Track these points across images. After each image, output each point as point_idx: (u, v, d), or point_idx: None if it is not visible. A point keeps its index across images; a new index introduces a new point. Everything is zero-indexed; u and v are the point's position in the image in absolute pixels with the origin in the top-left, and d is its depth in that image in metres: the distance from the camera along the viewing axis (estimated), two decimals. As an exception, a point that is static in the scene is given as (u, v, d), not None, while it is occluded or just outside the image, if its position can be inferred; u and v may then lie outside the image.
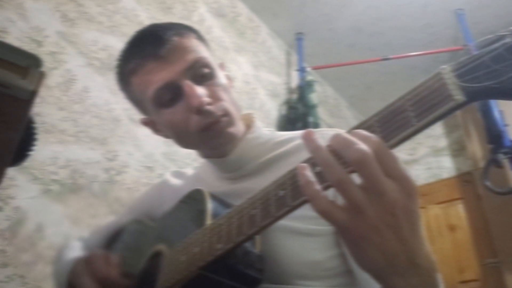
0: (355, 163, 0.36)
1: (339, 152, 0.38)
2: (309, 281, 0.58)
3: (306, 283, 0.57)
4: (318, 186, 0.38)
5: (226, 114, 0.66)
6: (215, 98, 0.66)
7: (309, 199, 0.38)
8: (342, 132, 0.39)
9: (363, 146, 0.36)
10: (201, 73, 0.67)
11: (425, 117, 0.36)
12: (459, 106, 0.35)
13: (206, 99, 0.64)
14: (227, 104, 0.67)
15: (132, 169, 1.63)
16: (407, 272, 0.37)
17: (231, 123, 0.67)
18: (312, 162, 0.40)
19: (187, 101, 0.64)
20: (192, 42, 0.69)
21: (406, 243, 0.36)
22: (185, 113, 0.65)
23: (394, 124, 0.37)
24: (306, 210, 0.41)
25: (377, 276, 0.38)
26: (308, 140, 0.40)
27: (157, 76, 0.65)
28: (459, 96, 0.34)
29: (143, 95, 0.68)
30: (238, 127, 0.69)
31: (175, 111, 0.66)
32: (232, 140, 0.69)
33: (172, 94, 0.65)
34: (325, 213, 0.37)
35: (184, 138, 0.70)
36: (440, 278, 0.42)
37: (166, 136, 0.74)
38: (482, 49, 0.35)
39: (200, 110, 0.64)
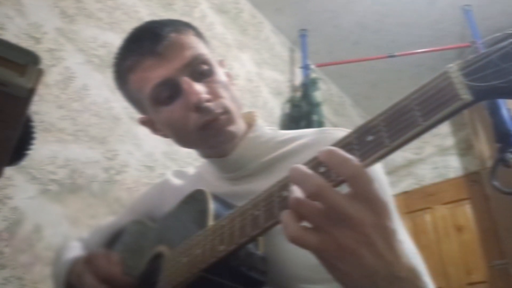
0: (313, 196, 0.37)
1: (298, 185, 0.39)
2: (314, 284, 0.57)
3: (311, 286, 0.57)
4: (288, 213, 0.39)
5: (226, 111, 0.65)
6: (214, 95, 0.65)
7: (282, 227, 0.39)
8: (300, 166, 0.40)
9: (316, 180, 0.37)
10: (200, 70, 0.66)
11: (431, 116, 0.35)
12: (466, 105, 0.34)
13: (205, 96, 0.64)
14: (226, 101, 0.66)
15: (132, 168, 1.62)
16: (390, 286, 0.37)
17: (230, 121, 0.66)
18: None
19: (185, 98, 0.64)
20: (190, 39, 0.68)
21: (383, 257, 0.37)
22: (183, 110, 0.64)
23: (401, 123, 0.37)
24: None
25: None
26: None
27: (154, 73, 0.64)
28: (466, 96, 0.34)
29: (141, 93, 0.67)
30: (238, 125, 0.68)
31: (173, 108, 0.65)
32: (232, 138, 0.67)
33: (170, 91, 0.65)
34: (296, 239, 0.38)
35: (183, 137, 0.69)
36: (426, 283, 0.42)
37: (165, 136, 0.74)
38: (489, 47, 0.34)
39: (198, 107, 0.63)
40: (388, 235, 0.38)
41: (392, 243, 0.38)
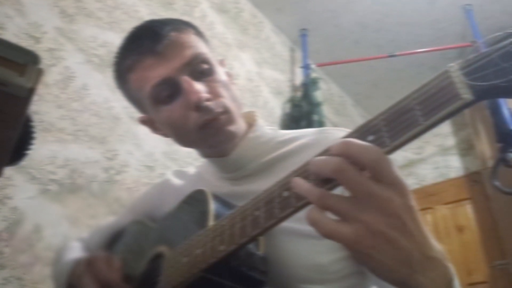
0: (334, 174, 0.37)
1: (318, 174, 0.39)
2: (315, 284, 0.57)
3: (311, 286, 0.57)
4: (318, 210, 0.38)
5: (226, 111, 0.65)
6: (214, 94, 0.65)
7: (312, 225, 0.38)
8: (316, 158, 0.39)
9: (334, 159, 0.37)
10: (200, 69, 0.66)
11: (432, 116, 0.35)
12: (467, 105, 0.34)
13: (205, 95, 0.64)
14: (226, 101, 0.66)
15: (132, 168, 1.62)
16: (424, 268, 0.37)
17: (230, 120, 0.66)
18: (306, 175, 0.41)
19: (185, 97, 0.64)
20: (191, 38, 0.68)
21: (415, 238, 0.37)
22: (183, 109, 0.64)
23: (401, 123, 0.37)
24: None
25: (401, 283, 0.37)
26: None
27: (154, 72, 0.64)
28: (467, 95, 0.34)
29: (141, 92, 0.67)
30: (238, 125, 0.68)
31: (173, 108, 0.65)
32: (232, 138, 0.67)
33: (170, 91, 0.65)
34: (331, 233, 0.37)
35: (183, 136, 0.69)
36: (452, 267, 0.42)
37: (165, 135, 0.74)
38: (490, 46, 0.34)
39: (198, 107, 0.63)
40: (415, 215, 0.37)
41: (419, 223, 0.38)
